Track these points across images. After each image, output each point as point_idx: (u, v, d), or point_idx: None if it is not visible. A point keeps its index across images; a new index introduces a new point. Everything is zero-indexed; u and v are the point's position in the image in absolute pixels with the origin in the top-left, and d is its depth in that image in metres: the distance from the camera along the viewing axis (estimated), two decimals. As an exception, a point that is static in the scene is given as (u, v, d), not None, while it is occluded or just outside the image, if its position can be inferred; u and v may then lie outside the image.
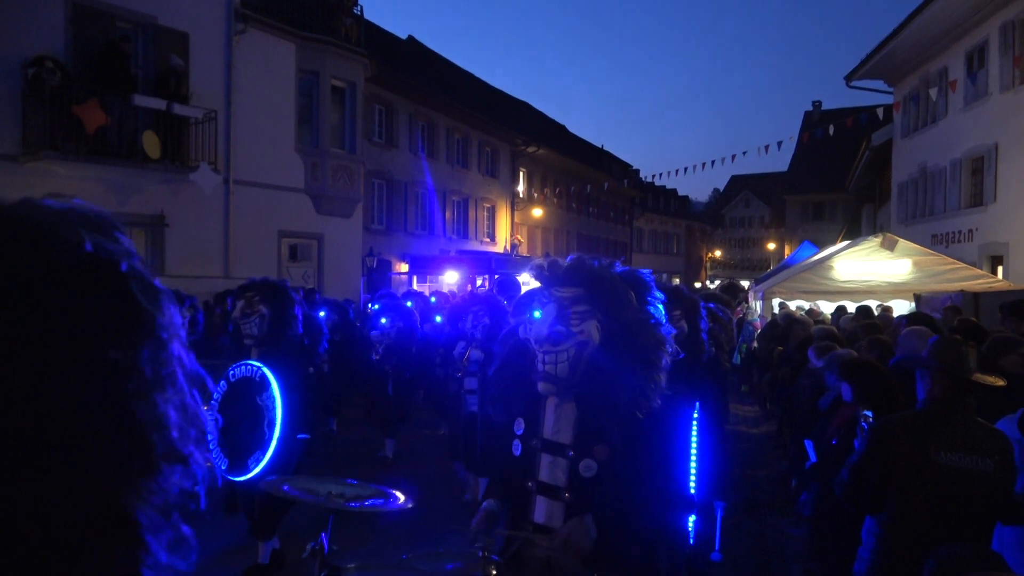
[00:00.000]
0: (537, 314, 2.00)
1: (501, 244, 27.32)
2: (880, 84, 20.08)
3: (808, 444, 4.18)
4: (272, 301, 4.09)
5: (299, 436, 3.94)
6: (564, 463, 1.98)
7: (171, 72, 12.44)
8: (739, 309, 13.63)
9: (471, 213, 25.60)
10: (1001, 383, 2.87)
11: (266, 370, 3.72)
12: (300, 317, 4.29)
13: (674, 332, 2.12)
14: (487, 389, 2.20)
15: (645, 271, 2.15)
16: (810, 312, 10.99)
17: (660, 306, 2.08)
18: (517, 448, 2.08)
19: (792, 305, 11.72)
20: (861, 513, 2.96)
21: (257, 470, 3.62)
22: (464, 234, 25.05)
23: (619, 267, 2.08)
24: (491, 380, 2.21)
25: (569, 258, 2.10)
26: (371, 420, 8.01)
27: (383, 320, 7.52)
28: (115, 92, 11.39)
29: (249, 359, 3.85)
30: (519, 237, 28.90)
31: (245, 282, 4.33)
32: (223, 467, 3.46)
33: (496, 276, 14.11)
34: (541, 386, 1.98)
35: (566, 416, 2.01)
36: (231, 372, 3.62)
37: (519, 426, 2.09)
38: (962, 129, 15.62)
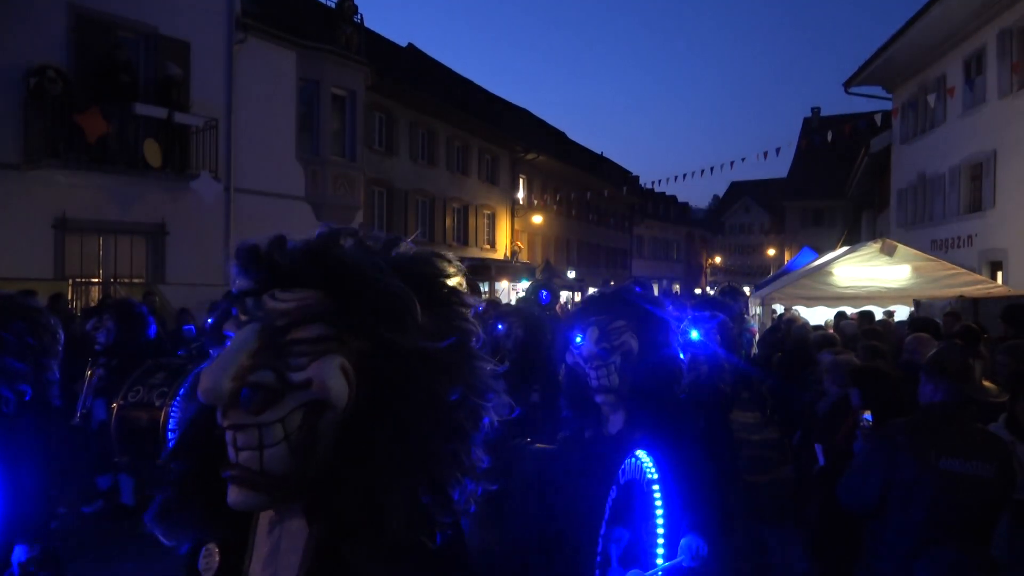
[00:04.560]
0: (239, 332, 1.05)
1: (501, 251, 27.35)
2: (879, 90, 20.16)
3: (818, 448, 4.19)
4: None
5: None
6: None
7: (169, 81, 12.48)
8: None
9: (471, 220, 25.62)
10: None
11: None
12: None
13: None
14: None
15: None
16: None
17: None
18: None
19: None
20: (862, 517, 2.96)
21: None
22: (464, 241, 25.07)
23: (404, 245, 1.12)
24: (168, 465, 1.08)
25: (318, 231, 1.08)
26: None
27: None
28: (116, 101, 11.43)
29: None
30: (519, 244, 28.93)
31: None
32: None
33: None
34: (232, 495, 0.95)
35: (289, 541, 1.01)
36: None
37: (208, 560, 1.08)
38: (961, 135, 15.65)
